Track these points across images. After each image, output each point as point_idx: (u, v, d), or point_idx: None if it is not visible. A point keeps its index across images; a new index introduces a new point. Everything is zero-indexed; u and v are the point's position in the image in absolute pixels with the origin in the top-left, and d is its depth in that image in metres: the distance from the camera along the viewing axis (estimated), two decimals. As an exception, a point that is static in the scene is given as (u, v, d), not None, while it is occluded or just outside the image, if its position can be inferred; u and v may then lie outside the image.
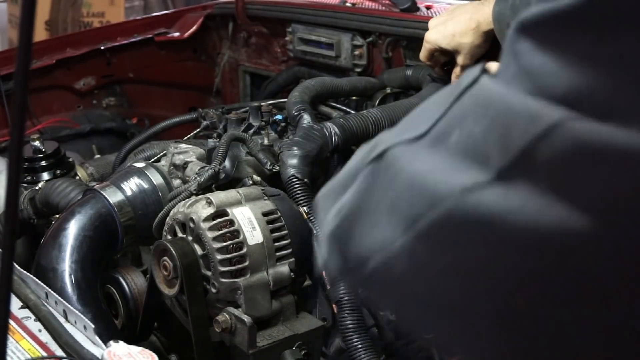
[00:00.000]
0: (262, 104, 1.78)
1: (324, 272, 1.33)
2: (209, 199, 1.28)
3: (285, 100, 1.74)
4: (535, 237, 0.48)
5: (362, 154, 0.63)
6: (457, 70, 1.68)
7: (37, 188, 1.63)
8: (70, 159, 1.85)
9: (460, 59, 1.65)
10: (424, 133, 0.57)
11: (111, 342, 0.97)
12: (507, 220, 0.49)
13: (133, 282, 1.46)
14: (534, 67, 0.50)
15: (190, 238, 1.28)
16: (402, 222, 0.55)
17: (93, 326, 1.05)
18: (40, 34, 4.38)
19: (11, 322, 1.08)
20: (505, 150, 0.50)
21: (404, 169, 0.57)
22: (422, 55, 1.72)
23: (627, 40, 0.46)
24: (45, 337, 1.06)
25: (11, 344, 1.04)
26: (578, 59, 0.48)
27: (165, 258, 1.28)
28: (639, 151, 0.45)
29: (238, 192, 1.33)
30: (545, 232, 0.48)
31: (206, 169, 1.43)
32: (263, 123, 1.70)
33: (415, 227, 0.54)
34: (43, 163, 1.77)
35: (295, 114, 1.62)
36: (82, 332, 1.07)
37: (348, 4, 2.15)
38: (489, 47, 1.63)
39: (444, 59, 1.73)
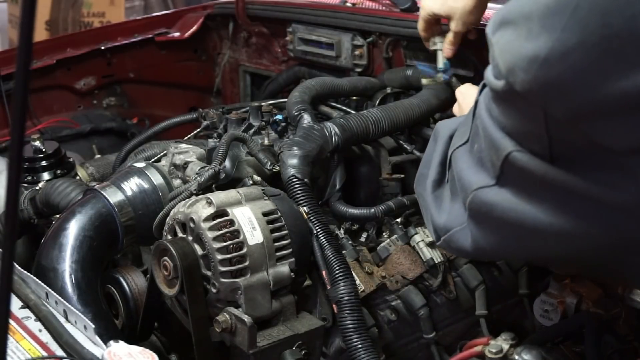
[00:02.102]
0: (263, 104, 1.78)
1: (324, 272, 1.34)
2: (209, 199, 1.28)
3: (286, 100, 1.73)
4: (517, 219, 0.89)
5: (435, 147, 1.14)
6: (449, 36, 1.70)
7: (37, 188, 1.63)
8: (71, 159, 1.85)
9: (452, 25, 1.67)
10: (466, 141, 1.00)
11: (111, 342, 0.97)
12: (503, 207, 0.90)
13: (133, 282, 1.46)
14: (495, 113, 0.87)
15: (190, 238, 1.28)
16: (463, 202, 0.97)
17: (93, 326, 1.05)
18: (40, 34, 4.38)
19: (11, 322, 1.08)
20: (494, 166, 0.89)
21: (457, 167, 1.00)
22: (419, 25, 1.74)
23: (519, 106, 0.82)
24: (45, 337, 1.06)
25: (11, 343, 1.04)
26: (507, 113, 0.84)
27: (166, 258, 1.28)
28: (552, 178, 0.82)
29: (238, 192, 1.33)
30: (520, 218, 0.88)
31: (206, 169, 1.43)
32: (263, 123, 1.70)
33: (466, 206, 0.96)
34: (43, 163, 1.77)
35: (296, 114, 1.62)
36: (82, 332, 1.07)
37: (348, 4, 2.15)
38: (481, 13, 1.64)
39: (438, 31, 1.74)
